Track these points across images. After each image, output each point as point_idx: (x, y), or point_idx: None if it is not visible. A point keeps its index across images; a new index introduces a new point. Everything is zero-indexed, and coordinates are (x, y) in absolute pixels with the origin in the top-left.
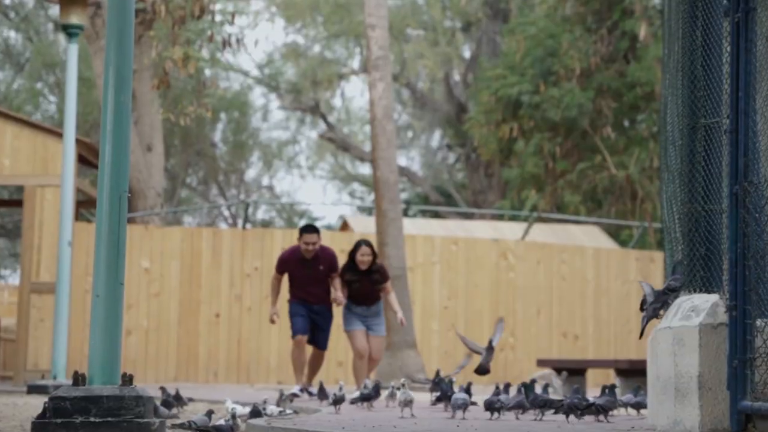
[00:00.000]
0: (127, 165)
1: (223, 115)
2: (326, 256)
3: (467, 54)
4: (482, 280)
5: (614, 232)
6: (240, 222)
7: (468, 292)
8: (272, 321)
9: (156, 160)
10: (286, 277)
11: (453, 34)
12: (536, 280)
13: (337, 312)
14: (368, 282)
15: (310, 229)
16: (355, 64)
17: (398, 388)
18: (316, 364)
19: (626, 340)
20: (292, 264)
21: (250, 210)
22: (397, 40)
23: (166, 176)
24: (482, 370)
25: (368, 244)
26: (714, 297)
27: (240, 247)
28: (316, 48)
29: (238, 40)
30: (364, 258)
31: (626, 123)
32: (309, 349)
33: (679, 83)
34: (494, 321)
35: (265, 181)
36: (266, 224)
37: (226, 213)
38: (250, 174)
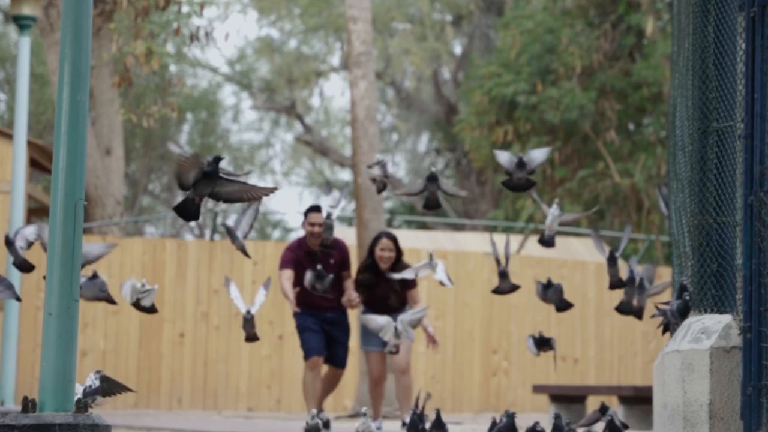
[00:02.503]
0: (84, 170)
1: (189, 116)
2: (337, 246)
3: (458, 50)
4: (473, 298)
5: (618, 246)
6: (207, 233)
7: (457, 311)
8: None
9: (115, 165)
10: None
11: (442, 28)
12: (532, 298)
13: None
14: (391, 285)
15: (317, 208)
16: (335, 60)
17: (364, 414)
18: (331, 385)
19: (631, 365)
20: (299, 259)
21: (219, 219)
22: (381, 34)
23: (126, 182)
24: (510, 185)
25: (390, 236)
26: (726, 318)
27: (207, 260)
28: (293, 43)
29: (206, 34)
30: (384, 254)
31: (631, 127)
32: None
33: (690, 83)
34: (486, 344)
35: None
36: None
37: (192, 223)
38: None
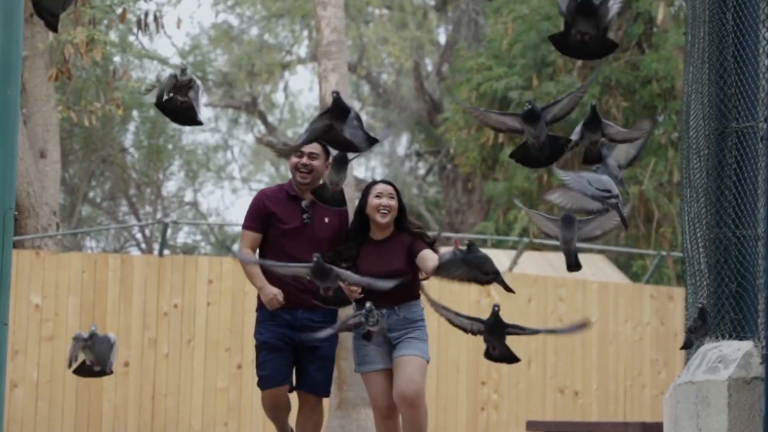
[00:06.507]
0: (14, 176)
1: (135, 113)
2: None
3: (442, 39)
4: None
5: (624, 263)
6: (156, 247)
7: (441, 337)
8: (277, 303)
9: (51, 170)
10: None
11: (425, 15)
12: (527, 322)
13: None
14: (390, 254)
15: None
16: (303, 50)
17: None
18: (312, 424)
19: (638, 398)
20: (277, 207)
21: (169, 232)
22: (355, 20)
23: (63, 189)
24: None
25: (388, 182)
26: (747, 344)
27: (155, 278)
28: (254, 30)
29: (156, 19)
30: (382, 200)
31: None
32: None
33: (706, 78)
34: (474, 374)
35: (188, 197)
36: (189, 250)
37: (139, 236)
38: (169, 187)
